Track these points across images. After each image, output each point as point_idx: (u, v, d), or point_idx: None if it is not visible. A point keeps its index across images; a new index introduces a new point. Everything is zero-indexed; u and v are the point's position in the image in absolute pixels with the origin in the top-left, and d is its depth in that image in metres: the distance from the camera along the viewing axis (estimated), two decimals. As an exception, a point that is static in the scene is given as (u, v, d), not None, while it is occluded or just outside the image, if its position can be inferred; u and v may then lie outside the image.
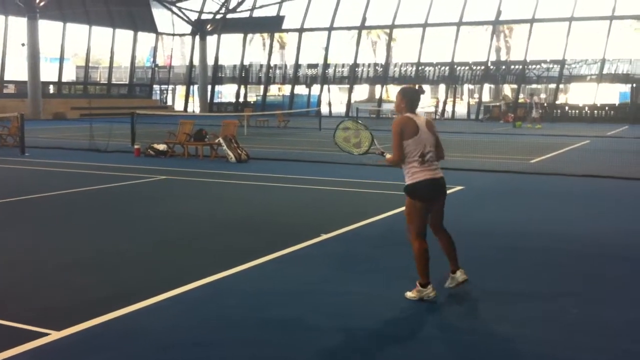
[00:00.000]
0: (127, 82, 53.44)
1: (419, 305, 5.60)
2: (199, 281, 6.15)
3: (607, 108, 41.68)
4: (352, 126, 6.36)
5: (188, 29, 52.39)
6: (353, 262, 7.07)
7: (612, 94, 45.07)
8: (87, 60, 49.30)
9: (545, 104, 41.87)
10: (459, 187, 11.94)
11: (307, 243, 7.70)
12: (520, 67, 44.84)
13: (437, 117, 41.66)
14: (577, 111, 42.28)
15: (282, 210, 10.17)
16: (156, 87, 56.00)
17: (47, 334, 4.80)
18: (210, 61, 51.57)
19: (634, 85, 42.17)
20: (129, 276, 6.48)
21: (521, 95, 45.25)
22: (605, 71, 42.07)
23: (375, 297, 5.85)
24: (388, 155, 5.78)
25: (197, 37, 50.95)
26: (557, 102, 44.23)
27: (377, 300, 5.75)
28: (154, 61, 55.77)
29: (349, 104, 47.41)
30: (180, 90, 57.33)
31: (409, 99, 5.69)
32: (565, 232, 8.57)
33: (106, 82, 52.15)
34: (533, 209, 10.41)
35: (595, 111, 41.56)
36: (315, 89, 50.19)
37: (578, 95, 47.85)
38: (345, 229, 8.49)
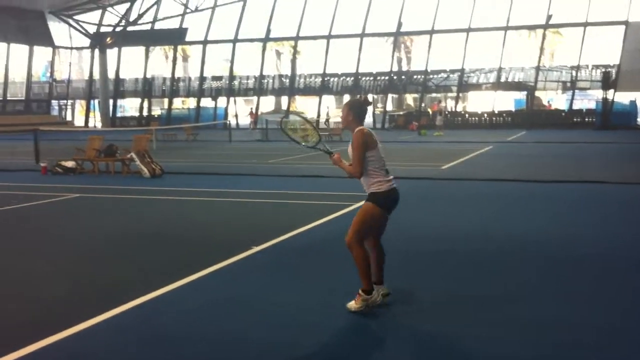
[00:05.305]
0: (23, 98, 51.24)
1: (355, 313, 5.62)
2: (132, 302, 5.91)
3: (504, 115, 43.51)
4: (298, 124, 6.18)
5: (86, 42, 50.82)
6: (289, 273, 7.01)
7: (508, 101, 47.19)
8: (-21, 77, 47.12)
9: (447, 112, 43.34)
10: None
11: (240, 256, 7.58)
12: (422, 76, 46.15)
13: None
14: (476, 118, 43.88)
15: (207, 224, 9.98)
16: (54, 102, 53.98)
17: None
18: (110, 74, 50.18)
19: (528, 92, 44.30)
20: (52, 301, 6.12)
21: (423, 104, 46.60)
22: (501, 79, 43.96)
23: (316, 307, 5.84)
24: (346, 164, 5.67)
25: (97, 51, 49.47)
26: (457, 110, 45.82)
27: (318, 311, 5.73)
28: (52, 75, 53.74)
29: (256, 116, 47.31)
30: (80, 105, 55.51)
31: (357, 111, 5.63)
32: (497, 234, 8.85)
33: (1, 98, 49.72)
34: (448, 213, 10.74)
35: (494, 118, 43.30)
36: (221, 101, 49.81)
37: (477, 103, 49.76)
38: (275, 241, 8.41)
